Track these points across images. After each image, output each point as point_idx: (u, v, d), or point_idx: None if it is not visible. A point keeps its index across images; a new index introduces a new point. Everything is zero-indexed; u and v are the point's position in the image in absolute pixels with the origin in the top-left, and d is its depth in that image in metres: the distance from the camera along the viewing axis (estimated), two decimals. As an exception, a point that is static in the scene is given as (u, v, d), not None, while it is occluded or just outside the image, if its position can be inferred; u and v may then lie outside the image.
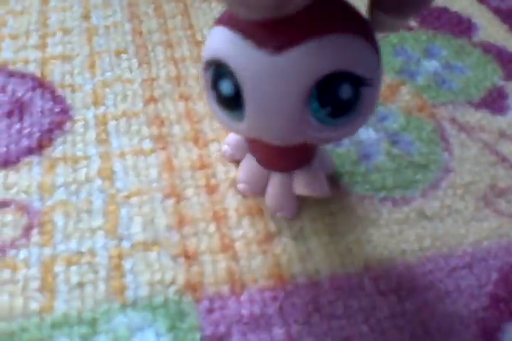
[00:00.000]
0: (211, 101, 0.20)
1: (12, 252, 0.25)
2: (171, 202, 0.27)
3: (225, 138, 0.29)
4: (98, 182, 0.28)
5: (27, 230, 0.26)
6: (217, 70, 0.18)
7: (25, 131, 0.30)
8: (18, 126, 0.30)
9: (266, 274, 0.25)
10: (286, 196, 0.26)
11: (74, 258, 0.25)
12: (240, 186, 0.27)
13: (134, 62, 0.34)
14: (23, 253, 0.25)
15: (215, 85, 0.19)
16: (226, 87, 0.18)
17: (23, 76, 0.33)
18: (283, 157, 0.25)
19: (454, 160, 0.30)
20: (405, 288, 0.25)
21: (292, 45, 0.17)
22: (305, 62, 0.17)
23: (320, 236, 0.26)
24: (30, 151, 0.29)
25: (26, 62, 0.34)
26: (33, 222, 0.26)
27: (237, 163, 0.29)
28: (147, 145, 0.30)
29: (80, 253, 0.25)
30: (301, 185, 0.25)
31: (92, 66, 0.34)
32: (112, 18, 0.38)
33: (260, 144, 0.25)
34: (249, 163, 0.27)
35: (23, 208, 0.27)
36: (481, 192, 0.29)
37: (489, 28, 0.40)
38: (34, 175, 0.28)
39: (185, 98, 0.32)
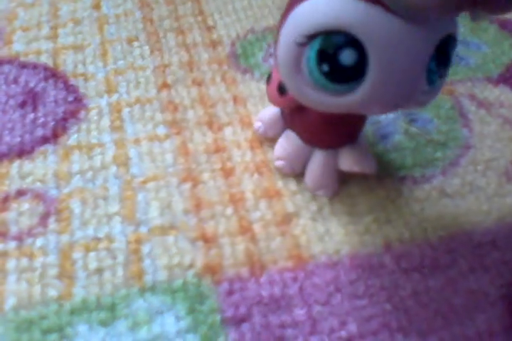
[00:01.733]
0: (305, 77, 0.19)
1: (29, 240, 0.25)
2: (187, 186, 0.27)
3: (258, 114, 0.29)
4: (113, 168, 0.28)
5: (44, 218, 0.26)
6: (330, 40, 0.17)
7: (40, 121, 0.30)
8: (32, 116, 0.30)
9: (285, 255, 0.24)
10: (329, 174, 0.26)
11: (92, 245, 0.25)
12: (279, 163, 0.27)
13: (146, 49, 0.34)
14: (40, 241, 0.25)
15: (325, 57, 0.18)
16: (348, 57, 0.17)
17: (35, 67, 0.33)
18: (332, 132, 0.25)
19: (473, 136, 0.30)
20: (428, 266, 0.24)
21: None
22: (430, 24, 0.17)
23: (339, 217, 0.26)
24: (45, 140, 0.29)
25: (38, 53, 0.34)
26: (50, 210, 0.26)
27: (263, 142, 0.29)
28: (161, 130, 0.29)
29: (98, 239, 0.25)
30: (350, 161, 0.25)
31: (104, 55, 0.34)
32: (122, 6, 0.37)
33: (309, 119, 0.24)
34: (289, 139, 0.26)
35: (39, 196, 0.26)
36: (502, 168, 0.28)
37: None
38: (49, 163, 0.28)
39: (198, 83, 0.32)
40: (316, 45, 0.18)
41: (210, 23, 0.36)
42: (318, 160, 0.26)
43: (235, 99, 0.31)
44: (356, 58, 0.17)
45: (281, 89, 0.24)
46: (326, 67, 0.18)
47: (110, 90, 0.31)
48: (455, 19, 0.19)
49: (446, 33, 0.18)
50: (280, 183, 0.27)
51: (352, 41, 0.17)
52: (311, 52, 0.18)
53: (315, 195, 0.27)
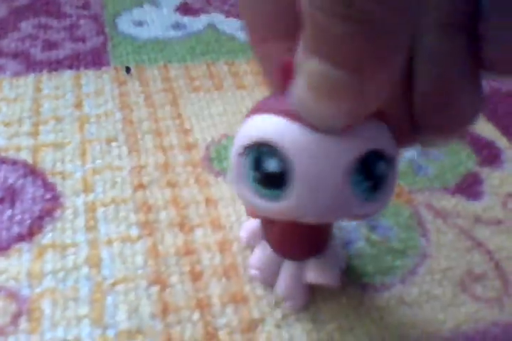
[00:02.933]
0: (245, 183, 0.21)
1: (0, 339, 0.25)
2: (155, 289, 0.28)
3: (243, 223, 0.30)
4: (85, 269, 0.28)
5: (15, 317, 0.26)
6: (261, 151, 0.20)
7: (17, 218, 0.31)
8: (9, 212, 0.31)
9: (249, 363, 0.25)
10: (297, 286, 0.27)
11: (59, 347, 0.25)
12: (252, 272, 0.28)
13: (124, 149, 0.36)
14: (10, 341, 0.25)
15: (257, 165, 0.20)
16: (272, 165, 0.19)
17: (14, 163, 0.34)
18: (298, 243, 0.26)
19: (431, 245, 0.31)
20: (386, 377, 0.25)
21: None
22: (350, 139, 0.19)
23: (303, 324, 0.27)
24: (20, 238, 0.30)
25: (18, 149, 0.35)
26: (22, 309, 0.26)
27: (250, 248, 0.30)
28: (134, 231, 0.31)
29: (66, 342, 0.25)
30: (314, 273, 0.26)
31: (83, 154, 0.35)
32: (103, 106, 0.39)
33: (276, 230, 0.26)
34: (263, 249, 0.28)
35: (12, 295, 0.27)
36: (457, 278, 0.30)
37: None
38: (23, 261, 0.28)
39: (172, 185, 0.34)
40: (250, 154, 0.20)
41: (187, 126, 0.38)
42: (286, 271, 0.27)
43: (207, 201, 0.33)
44: (279, 167, 0.19)
45: None
46: (257, 174, 0.20)
47: (87, 189, 0.33)
48: (386, 135, 0.20)
49: (370, 147, 0.19)
50: (247, 288, 0.28)
51: (277, 153, 0.19)
52: (247, 161, 0.20)
53: (282, 306, 0.27)
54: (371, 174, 0.20)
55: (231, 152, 0.21)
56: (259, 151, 0.20)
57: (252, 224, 0.29)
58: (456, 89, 0.19)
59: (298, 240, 0.26)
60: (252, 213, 0.27)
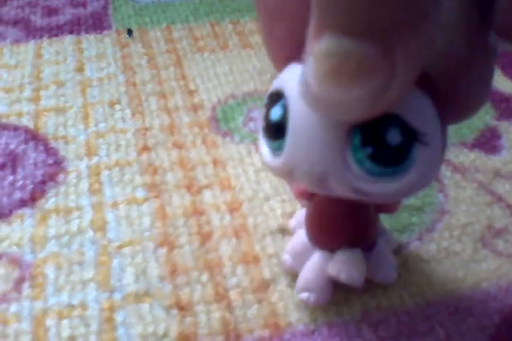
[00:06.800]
0: (260, 135, 0.20)
1: (3, 306, 0.24)
2: (163, 251, 0.27)
3: (286, 246, 0.26)
4: (90, 233, 0.27)
5: (18, 283, 0.25)
6: (273, 99, 0.18)
7: (18, 184, 0.30)
8: (11, 178, 0.30)
9: (262, 324, 0.24)
10: (318, 278, 0.24)
11: (65, 312, 0.24)
12: (283, 257, 0.25)
13: (128, 112, 0.35)
14: (14, 307, 0.24)
15: (266, 115, 0.19)
16: (274, 113, 0.18)
17: (16, 129, 0.33)
18: (326, 228, 0.23)
19: (449, 201, 0.30)
20: (405, 334, 0.24)
21: None
22: None
23: (316, 283, 0.26)
24: (22, 204, 0.29)
25: (20, 115, 0.34)
26: (25, 275, 0.26)
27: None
28: (140, 193, 0.30)
29: (72, 306, 0.24)
30: (337, 266, 0.23)
31: (86, 117, 0.34)
32: (105, 70, 0.38)
33: (308, 212, 0.24)
34: (299, 235, 0.25)
35: (15, 261, 0.26)
36: (478, 233, 0.29)
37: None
38: (26, 227, 0.28)
39: (178, 146, 0.33)
40: (267, 105, 0.19)
41: (192, 87, 0.37)
42: (312, 261, 0.24)
43: (215, 162, 0.32)
44: (279, 115, 0.18)
45: None
46: (264, 123, 0.19)
47: (90, 153, 0.32)
48: (420, 104, 0.17)
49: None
50: (258, 247, 0.27)
51: (281, 100, 0.18)
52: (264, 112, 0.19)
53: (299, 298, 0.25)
54: (375, 139, 0.16)
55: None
56: (272, 100, 0.19)
57: (299, 245, 0.25)
58: None
59: (327, 225, 0.23)
60: (299, 194, 0.25)
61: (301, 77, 0.16)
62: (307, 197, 0.24)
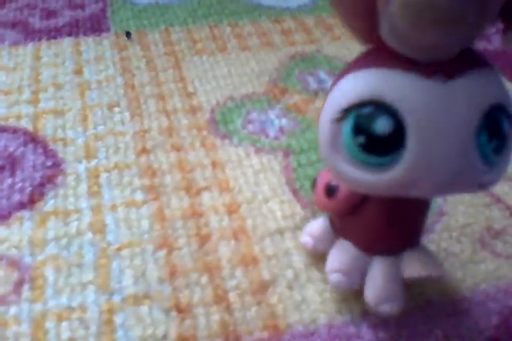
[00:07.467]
0: (342, 154, 0.18)
1: (2, 309, 0.24)
2: (162, 253, 0.27)
3: (305, 227, 0.26)
4: (89, 235, 0.27)
5: (18, 286, 0.25)
6: (363, 112, 0.17)
7: (17, 186, 0.30)
8: (9, 181, 0.30)
9: (261, 325, 0.24)
10: (392, 286, 0.23)
11: (65, 314, 0.24)
12: (335, 276, 0.24)
13: (127, 115, 0.35)
14: (13, 310, 0.24)
15: (359, 129, 0.17)
16: (382, 126, 0.17)
17: (15, 131, 0.33)
18: (392, 234, 0.23)
19: (447, 203, 0.30)
20: (404, 335, 0.24)
21: (461, 73, 0.16)
22: (475, 88, 0.16)
23: (315, 285, 0.26)
24: (21, 206, 0.29)
25: (18, 117, 0.34)
26: (24, 278, 0.26)
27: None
28: (139, 196, 0.30)
29: (71, 309, 0.24)
30: (415, 266, 0.22)
31: (85, 120, 0.34)
32: (104, 72, 0.38)
33: (364, 222, 0.23)
34: (344, 249, 0.24)
35: (14, 263, 0.26)
36: (476, 234, 0.29)
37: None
38: (25, 229, 0.28)
39: (177, 148, 0.33)
40: (350, 118, 0.17)
41: (191, 89, 0.37)
42: (378, 270, 0.23)
43: (214, 164, 0.32)
44: (392, 127, 0.17)
45: (329, 191, 0.23)
46: (361, 139, 0.17)
47: (89, 155, 0.32)
48: (504, 88, 0.17)
49: (493, 100, 0.17)
50: (257, 249, 0.27)
51: (387, 110, 0.17)
52: (346, 127, 0.17)
53: (378, 312, 0.24)
54: (498, 132, 0.17)
55: (321, 119, 0.18)
56: (361, 113, 0.17)
57: (315, 226, 0.26)
58: None
59: (393, 230, 0.22)
60: (323, 205, 0.24)
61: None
62: (346, 210, 0.23)
